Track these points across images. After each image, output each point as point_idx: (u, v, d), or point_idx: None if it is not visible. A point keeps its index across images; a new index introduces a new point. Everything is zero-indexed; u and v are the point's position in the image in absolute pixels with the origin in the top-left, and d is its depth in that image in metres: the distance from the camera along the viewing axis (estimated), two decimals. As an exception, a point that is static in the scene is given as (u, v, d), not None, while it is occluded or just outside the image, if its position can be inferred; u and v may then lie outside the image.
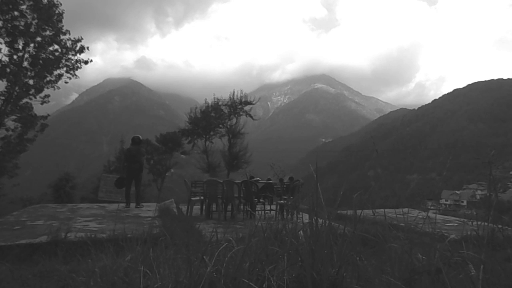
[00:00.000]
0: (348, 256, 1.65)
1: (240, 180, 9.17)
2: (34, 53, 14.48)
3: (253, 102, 24.08)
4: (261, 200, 8.91)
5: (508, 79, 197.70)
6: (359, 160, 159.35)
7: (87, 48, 16.04)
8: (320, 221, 1.77)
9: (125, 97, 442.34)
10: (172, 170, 31.00)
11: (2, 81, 13.77)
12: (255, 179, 9.64)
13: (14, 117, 14.54)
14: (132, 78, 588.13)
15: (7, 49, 13.93)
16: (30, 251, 4.74)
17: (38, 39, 14.46)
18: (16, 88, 14.11)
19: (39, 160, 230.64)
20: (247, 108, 23.90)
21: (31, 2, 13.97)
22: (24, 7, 13.89)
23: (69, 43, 15.41)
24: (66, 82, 15.75)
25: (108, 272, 1.80)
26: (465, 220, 7.98)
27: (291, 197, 8.26)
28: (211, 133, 23.84)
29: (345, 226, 1.77)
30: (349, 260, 1.66)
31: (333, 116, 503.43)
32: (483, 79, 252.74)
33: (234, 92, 23.55)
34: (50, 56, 14.91)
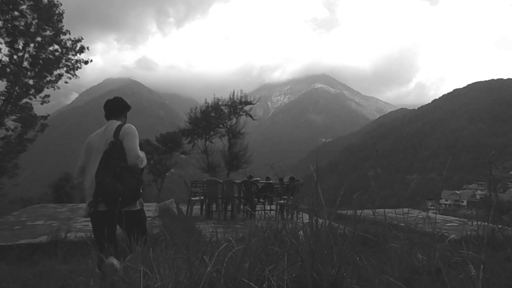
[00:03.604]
0: (348, 256, 1.65)
1: (240, 180, 9.17)
2: (34, 53, 14.46)
3: (253, 102, 24.06)
4: (261, 200, 8.91)
5: (508, 79, 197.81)
6: (359, 160, 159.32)
7: (87, 48, 16.03)
8: (320, 221, 1.77)
9: (125, 97, 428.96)
10: (172, 170, 30.99)
11: (2, 81, 13.76)
12: (254, 179, 9.64)
13: (14, 117, 14.51)
14: (132, 78, 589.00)
15: (7, 49, 13.92)
16: (30, 251, 4.74)
17: (38, 39, 14.44)
18: (16, 88, 14.09)
19: (39, 160, 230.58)
20: (247, 108, 23.88)
21: (31, 2, 13.95)
22: (24, 7, 13.87)
23: (69, 43, 15.38)
24: (66, 82, 15.73)
25: (108, 272, 1.80)
26: (465, 220, 7.98)
27: (291, 197, 8.26)
28: (211, 133, 23.81)
29: (345, 226, 1.77)
30: (349, 260, 1.66)
31: (333, 116, 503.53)
32: (483, 79, 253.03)
33: (234, 92, 23.54)
34: (50, 56, 14.89)
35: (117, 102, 3.19)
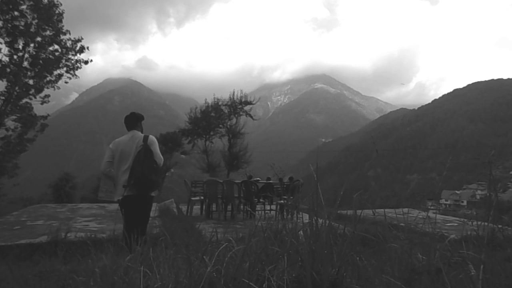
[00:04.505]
0: (348, 256, 1.64)
1: (240, 180, 9.16)
2: (34, 53, 14.46)
3: (253, 102, 24.03)
4: (261, 200, 8.91)
5: (508, 79, 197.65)
6: (359, 160, 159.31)
7: (87, 48, 16.04)
8: (320, 221, 1.77)
9: (125, 97, 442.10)
10: (172, 170, 30.97)
11: (2, 81, 13.76)
12: (254, 179, 9.64)
13: (14, 117, 14.52)
14: (132, 78, 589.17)
15: (7, 49, 13.92)
16: (30, 251, 4.74)
17: (38, 39, 14.45)
18: (16, 88, 14.09)
19: (39, 160, 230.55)
20: (247, 108, 23.85)
21: (31, 2, 13.95)
22: (24, 7, 13.87)
23: (69, 43, 15.40)
24: (66, 82, 15.74)
25: (108, 272, 1.80)
26: (465, 220, 7.98)
27: (291, 197, 8.25)
28: (211, 133, 23.78)
29: (345, 226, 1.77)
30: (349, 260, 1.65)
31: (333, 116, 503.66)
32: (483, 79, 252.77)
33: (234, 92, 23.50)
34: (50, 56, 14.89)
35: (132, 117, 4.26)
